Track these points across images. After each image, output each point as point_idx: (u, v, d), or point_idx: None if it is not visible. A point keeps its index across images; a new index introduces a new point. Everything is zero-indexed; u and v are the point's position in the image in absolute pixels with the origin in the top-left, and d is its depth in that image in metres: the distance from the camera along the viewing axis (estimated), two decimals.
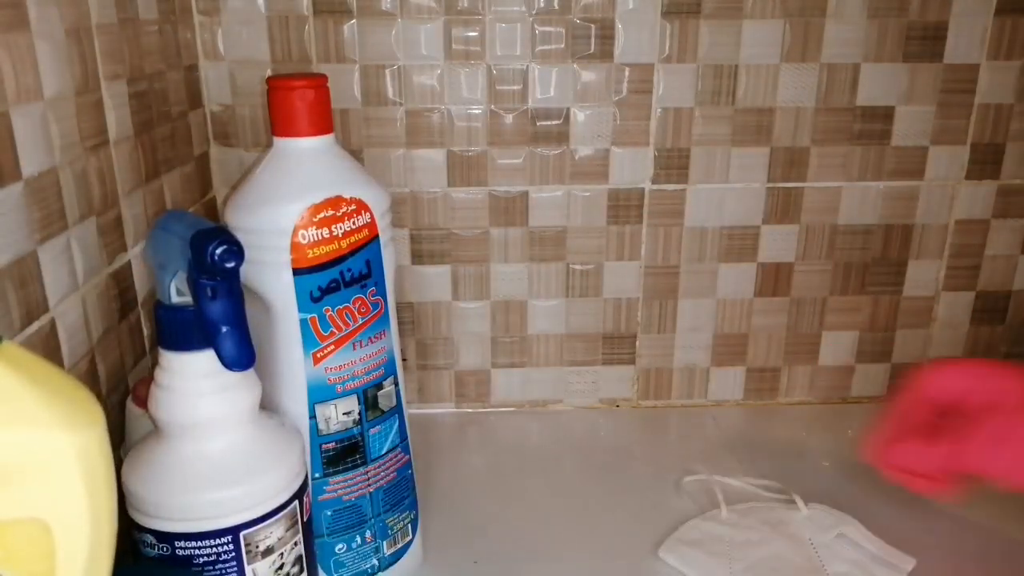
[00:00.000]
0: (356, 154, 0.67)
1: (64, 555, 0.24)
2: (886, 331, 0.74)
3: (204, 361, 0.39)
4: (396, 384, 0.50)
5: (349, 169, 0.47)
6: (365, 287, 0.47)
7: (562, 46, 0.65)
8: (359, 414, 0.48)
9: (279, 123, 0.45)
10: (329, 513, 0.48)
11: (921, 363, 0.75)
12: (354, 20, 0.64)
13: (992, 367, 0.52)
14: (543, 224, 0.70)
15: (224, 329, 0.38)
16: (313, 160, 0.46)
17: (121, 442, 0.46)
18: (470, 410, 0.75)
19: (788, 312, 0.73)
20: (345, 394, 0.47)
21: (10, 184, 0.37)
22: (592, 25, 0.65)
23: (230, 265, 0.38)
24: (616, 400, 0.76)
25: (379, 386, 0.48)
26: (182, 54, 0.60)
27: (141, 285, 0.51)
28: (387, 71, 0.65)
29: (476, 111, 0.66)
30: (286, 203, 0.44)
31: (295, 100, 0.45)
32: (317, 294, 0.45)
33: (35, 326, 0.39)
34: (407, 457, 0.52)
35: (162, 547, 0.39)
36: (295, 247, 0.44)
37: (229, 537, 0.39)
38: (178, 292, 0.40)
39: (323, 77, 0.46)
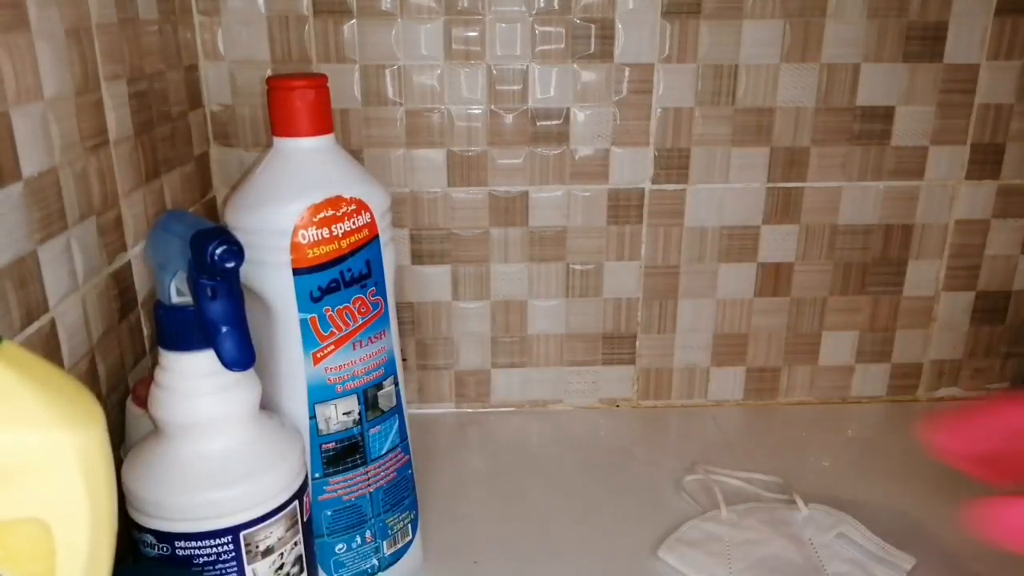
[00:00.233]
0: (356, 154, 0.67)
1: (64, 555, 0.24)
2: (886, 331, 0.74)
3: (204, 361, 0.39)
4: (396, 384, 0.50)
5: (349, 169, 0.47)
6: (365, 287, 0.47)
7: (562, 46, 0.65)
8: (359, 414, 0.48)
9: (279, 123, 0.45)
10: (329, 513, 0.48)
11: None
12: (354, 20, 0.64)
13: None
14: (543, 224, 0.70)
15: (224, 329, 0.38)
16: (313, 160, 0.46)
17: (121, 442, 0.46)
18: (470, 410, 0.75)
19: (788, 312, 0.73)
20: (345, 394, 0.47)
21: (10, 184, 0.37)
22: (592, 25, 0.65)
23: (230, 265, 0.38)
24: (616, 400, 0.76)
25: (379, 386, 0.48)
26: (182, 54, 0.60)
27: (141, 285, 0.51)
28: (387, 71, 0.65)
29: (476, 111, 0.66)
30: (286, 203, 0.44)
31: (295, 100, 0.45)
32: (317, 294, 0.45)
33: (35, 326, 0.39)
34: (407, 457, 0.52)
35: (162, 547, 0.39)
36: (295, 247, 0.44)
37: (229, 537, 0.39)
38: (178, 292, 0.40)
39: (323, 77, 0.46)
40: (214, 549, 0.38)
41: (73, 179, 0.43)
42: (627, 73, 0.66)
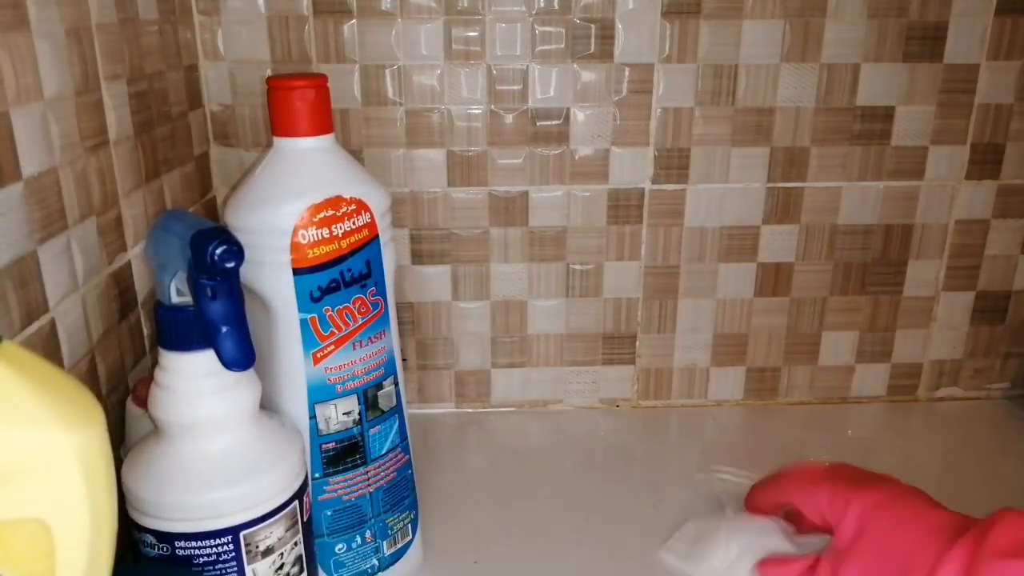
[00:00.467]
0: (356, 154, 0.67)
1: (64, 555, 0.24)
2: (886, 331, 0.74)
3: (204, 361, 0.39)
4: (396, 384, 0.50)
5: (349, 169, 0.47)
6: (365, 287, 0.47)
7: (562, 46, 0.65)
8: (359, 414, 0.48)
9: (279, 123, 0.45)
10: (329, 513, 0.48)
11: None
12: (354, 20, 0.64)
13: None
14: (543, 224, 0.70)
15: (224, 329, 0.38)
16: (313, 160, 0.46)
17: (121, 442, 0.46)
18: (470, 410, 0.75)
19: (788, 312, 0.73)
20: (345, 394, 0.47)
21: (10, 184, 0.37)
22: (592, 25, 0.65)
23: (230, 265, 0.38)
24: (616, 400, 0.76)
25: (379, 386, 0.48)
26: (182, 54, 0.60)
27: (141, 285, 0.51)
28: (387, 71, 0.65)
29: (476, 111, 0.66)
30: (286, 203, 0.44)
31: (295, 100, 0.45)
32: (317, 294, 0.45)
33: (35, 326, 0.39)
34: (407, 457, 0.52)
35: (162, 547, 0.39)
36: (295, 247, 0.44)
37: (229, 537, 0.39)
38: (178, 292, 0.40)
39: (323, 77, 0.46)
40: (214, 549, 0.38)
41: (73, 179, 0.43)
42: (627, 73, 0.66)
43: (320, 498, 0.47)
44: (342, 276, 0.45)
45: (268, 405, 0.45)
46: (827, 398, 0.76)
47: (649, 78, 0.66)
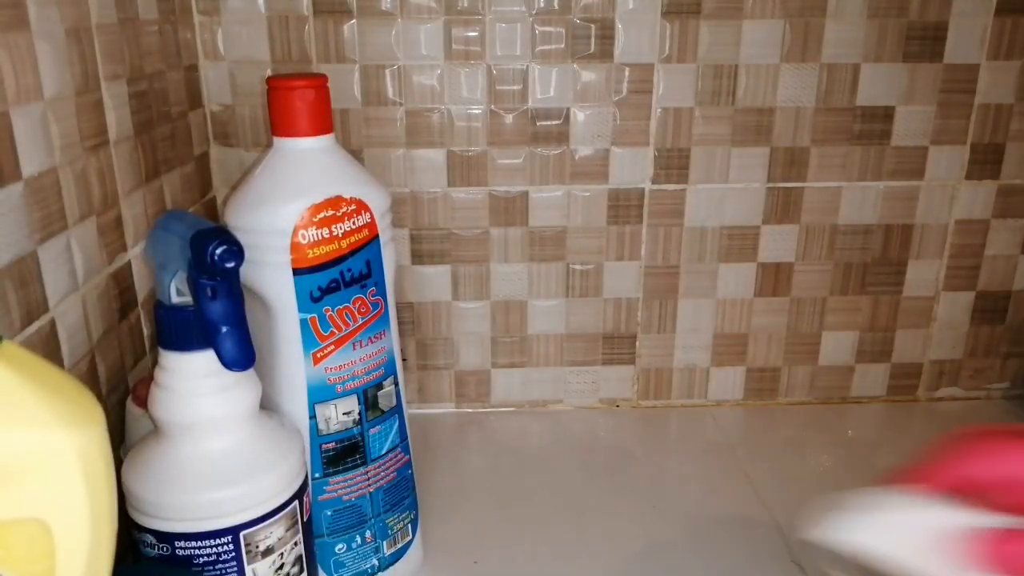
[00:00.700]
0: (356, 154, 0.67)
1: (64, 555, 0.24)
2: (886, 331, 0.74)
3: (204, 361, 0.39)
4: (396, 384, 0.50)
5: (349, 169, 0.47)
6: (365, 287, 0.47)
7: (562, 46, 0.65)
8: (359, 414, 0.48)
9: (279, 123, 0.45)
10: (329, 513, 0.48)
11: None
12: (354, 20, 0.64)
13: None
14: (543, 224, 0.70)
15: (224, 329, 0.38)
16: (313, 160, 0.46)
17: (121, 442, 0.46)
18: (470, 410, 0.75)
19: (788, 312, 0.73)
20: (345, 394, 0.47)
21: (10, 184, 0.37)
22: (592, 25, 0.65)
23: (230, 265, 0.38)
24: (616, 400, 0.76)
25: (379, 386, 0.48)
26: (182, 54, 0.60)
27: (141, 285, 0.51)
28: (387, 71, 0.65)
29: (476, 111, 0.66)
30: (286, 203, 0.44)
31: (295, 100, 0.45)
32: (317, 294, 0.45)
33: (35, 326, 0.39)
34: (407, 457, 0.52)
35: (162, 547, 0.39)
36: (295, 247, 0.44)
37: (229, 537, 0.39)
38: (178, 292, 0.40)
39: (323, 77, 0.46)
40: (214, 549, 0.38)
41: (73, 179, 0.43)
42: (627, 73, 0.66)
43: (320, 498, 0.47)
44: (342, 276, 0.45)
45: (268, 405, 0.45)
46: (827, 398, 0.76)
47: (649, 78, 0.66)
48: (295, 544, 0.42)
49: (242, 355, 0.39)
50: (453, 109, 0.66)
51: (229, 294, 0.38)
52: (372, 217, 0.46)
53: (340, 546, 0.48)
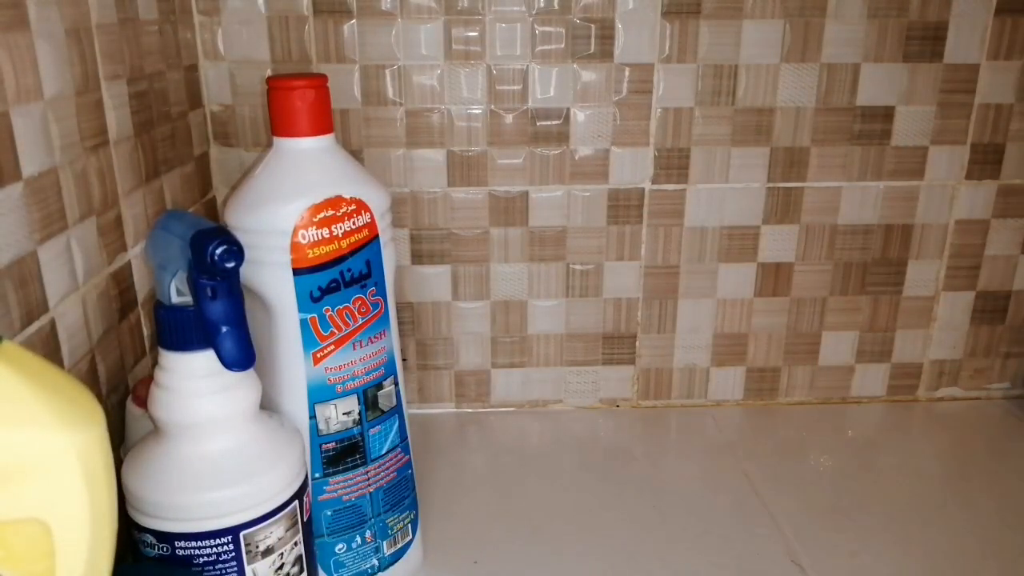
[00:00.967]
0: (356, 154, 0.67)
1: (64, 555, 0.24)
2: (886, 331, 0.74)
3: (204, 361, 0.39)
4: (396, 384, 0.50)
5: (349, 169, 0.47)
6: (365, 287, 0.47)
7: (562, 46, 0.65)
8: (359, 414, 0.48)
9: (279, 123, 0.45)
10: (329, 513, 0.48)
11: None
12: (354, 20, 0.64)
13: None
14: (543, 224, 0.70)
15: (224, 329, 0.38)
16: (313, 160, 0.46)
17: (121, 442, 0.46)
18: (470, 410, 0.75)
19: (788, 312, 0.73)
20: (345, 394, 0.47)
21: (10, 184, 0.37)
22: (592, 25, 0.65)
23: (230, 265, 0.38)
24: (616, 400, 0.76)
25: (379, 386, 0.48)
26: (182, 54, 0.60)
27: (141, 285, 0.51)
28: (387, 71, 0.65)
29: (476, 111, 0.66)
30: (286, 203, 0.44)
31: (295, 100, 0.45)
32: (317, 294, 0.45)
33: (35, 326, 0.39)
34: (407, 457, 0.52)
35: (162, 547, 0.39)
36: (295, 247, 0.44)
37: (229, 537, 0.39)
38: (178, 292, 0.40)
39: (323, 77, 0.46)
40: (214, 549, 0.38)
41: (73, 179, 0.43)
42: (627, 73, 0.66)
43: (320, 498, 0.47)
44: (342, 276, 0.45)
45: (268, 405, 0.45)
46: (827, 398, 0.76)
47: (649, 78, 0.66)
48: (295, 544, 0.42)
49: (242, 355, 0.39)
50: (453, 109, 0.66)
51: (229, 294, 0.38)
52: (372, 217, 0.46)
53: (340, 546, 0.48)
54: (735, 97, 0.67)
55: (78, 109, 0.43)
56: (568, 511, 0.60)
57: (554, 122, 0.67)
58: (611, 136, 0.67)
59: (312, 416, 0.46)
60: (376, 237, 0.47)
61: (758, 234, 0.71)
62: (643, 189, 0.69)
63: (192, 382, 0.39)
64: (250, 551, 0.39)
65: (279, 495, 0.40)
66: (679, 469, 0.66)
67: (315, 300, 0.45)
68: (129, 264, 0.50)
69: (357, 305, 0.46)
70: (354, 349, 0.47)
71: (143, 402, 0.41)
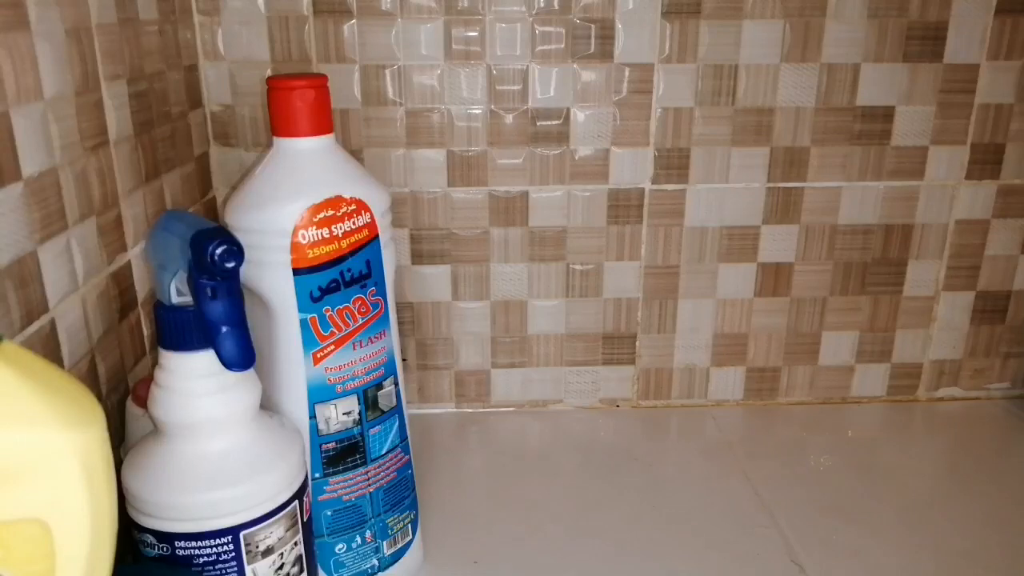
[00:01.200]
0: (356, 154, 0.67)
1: (64, 555, 0.24)
2: (886, 331, 0.74)
3: (204, 361, 0.39)
4: (396, 384, 0.50)
5: (349, 169, 0.47)
6: (365, 287, 0.47)
7: (562, 46, 0.65)
8: (359, 414, 0.48)
9: (279, 123, 0.45)
10: (329, 513, 0.48)
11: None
12: (354, 20, 0.64)
13: None
14: (543, 224, 0.70)
15: (224, 329, 0.38)
16: (313, 160, 0.46)
17: (121, 442, 0.46)
18: (470, 410, 0.75)
19: (788, 312, 0.73)
20: (345, 394, 0.47)
21: (10, 184, 0.37)
22: (592, 25, 0.65)
23: (230, 265, 0.38)
24: (616, 400, 0.76)
25: (379, 386, 0.48)
26: (182, 54, 0.60)
27: (141, 285, 0.51)
28: (387, 71, 0.65)
29: (476, 111, 0.66)
30: (286, 203, 0.44)
31: (295, 100, 0.45)
32: (317, 294, 0.45)
33: (35, 326, 0.39)
34: (407, 457, 0.52)
35: (162, 547, 0.39)
36: (295, 247, 0.44)
37: (229, 537, 0.39)
38: (178, 292, 0.40)
39: (323, 77, 0.46)
40: (214, 549, 0.38)
41: (73, 179, 0.43)
42: (627, 73, 0.66)
43: (320, 498, 0.47)
44: (342, 276, 0.45)
45: (268, 405, 0.45)
46: (827, 398, 0.76)
47: (649, 78, 0.66)
48: (295, 544, 0.42)
49: (242, 355, 0.39)
50: (453, 109, 0.66)
51: (229, 294, 0.38)
52: (372, 217, 0.46)
53: (340, 546, 0.48)
54: (735, 97, 0.67)
55: (78, 109, 0.43)
56: (568, 511, 0.60)
57: (554, 122, 0.67)
58: (611, 136, 0.67)
59: (312, 416, 0.46)
60: (376, 237, 0.47)
61: (758, 234, 0.71)
62: (643, 189, 0.69)
63: (192, 382, 0.39)
64: (250, 551, 0.39)
65: (279, 495, 0.40)
66: (679, 469, 0.66)
67: (315, 300, 0.45)
68: (129, 264, 0.50)
69: (357, 305, 0.46)
70: (354, 349, 0.47)
71: (143, 402, 0.41)
